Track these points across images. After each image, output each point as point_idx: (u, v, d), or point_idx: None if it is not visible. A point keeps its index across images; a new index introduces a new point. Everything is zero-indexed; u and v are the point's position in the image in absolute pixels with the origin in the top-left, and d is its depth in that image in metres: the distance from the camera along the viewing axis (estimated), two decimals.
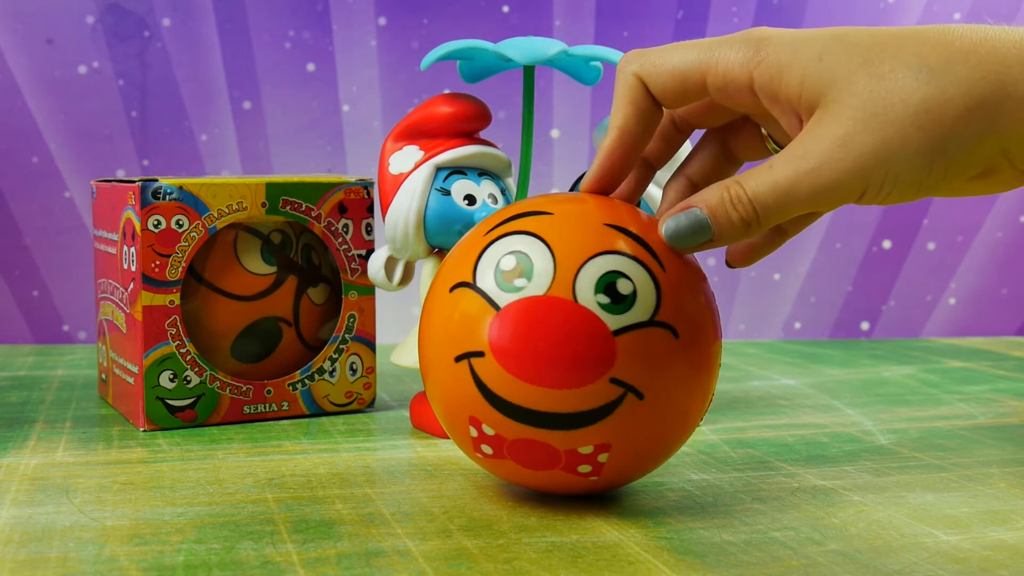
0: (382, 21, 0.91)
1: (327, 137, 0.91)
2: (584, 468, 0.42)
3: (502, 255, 0.42)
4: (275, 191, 0.58)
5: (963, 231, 0.99)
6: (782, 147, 0.45)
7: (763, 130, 0.45)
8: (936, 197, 0.43)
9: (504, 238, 0.42)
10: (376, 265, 0.57)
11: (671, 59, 0.42)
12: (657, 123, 0.44)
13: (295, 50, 0.90)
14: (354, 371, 0.61)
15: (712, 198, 0.41)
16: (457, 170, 0.56)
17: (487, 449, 0.43)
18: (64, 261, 0.88)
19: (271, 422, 0.59)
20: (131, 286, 0.57)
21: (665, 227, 0.42)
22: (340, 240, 0.60)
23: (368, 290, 0.61)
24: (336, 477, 0.49)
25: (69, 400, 0.65)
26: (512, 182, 0.58)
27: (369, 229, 0.61)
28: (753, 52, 0.41)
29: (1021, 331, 1.00)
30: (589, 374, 0.40)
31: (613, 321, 0.40)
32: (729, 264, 0.47)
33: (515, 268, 0.41)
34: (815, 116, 0.39)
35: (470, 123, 0.56)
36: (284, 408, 0.60)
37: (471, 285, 0.42)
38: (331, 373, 0.61)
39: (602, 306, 0.40)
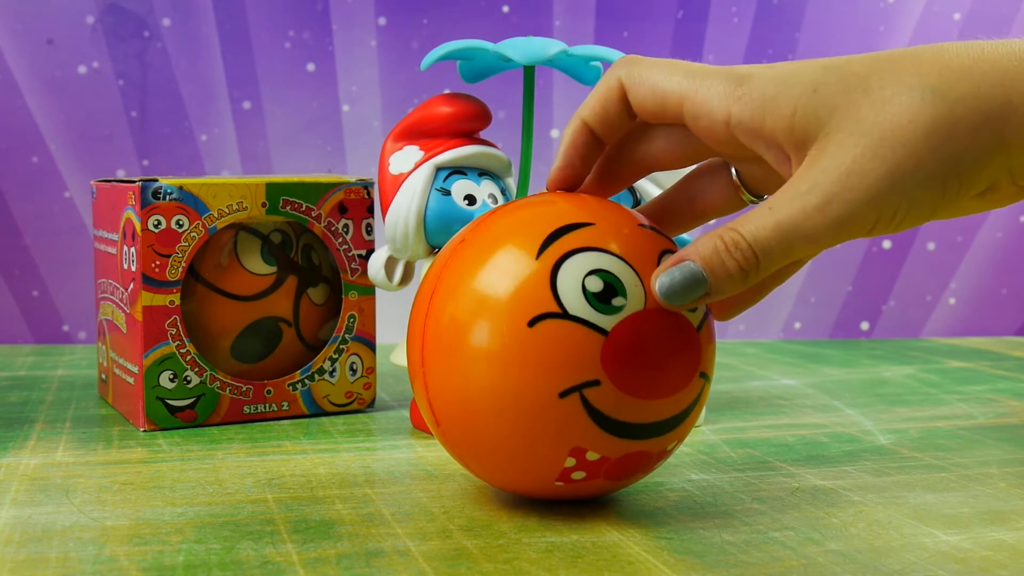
0: (382, 21, 0.91)
1: (327, 137, 0.91)
2: (660, 464, 0.43)
3: (583, 276, 0.40)
4: (275, 191, 0.58)
5: (963, 231, 0.99)
6: (756, 195, 0.44)
7: (735, 176, 0.44)
8: (940, 220, 0.42)
9: (568, 259, 0.40)
10: (376, 265, 0.58)
11: (656, 76, 0.41)
12: (622, 130, 0.43)
13: (295, 50, 0.90)
14: (354, 371, 0.61)
15: (705, 248, 0.39)
16: (457, 170, 0.56)
17: (578, 476, 0.41)
18: (64, 261, 0.88)
19: (271, 422, 0.59)
20: (131, 286, 0.57)
21: (659, 285, 0.39)
22: (340, 240, 0.60)
23: (368, 290, 0.61)
24: (336, 477, 0.49)
25: (69, 400, 0.65)
26: (512, 182, 0.58)
27: (369, 229, 0.61)
28: (734, 87, 0.39)
29: (1021, 331, 1.00)
30: (690, 375, 0.41)
31: (693, 319, 0.41)
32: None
33: (605, 288, 0.40)
34: (816, 148, 0.38)
35: (470, 123, 0.56)
36: (284, 408, 0.60)
37: (561, 315, 0.39)
38: (331, 373, 0.61)
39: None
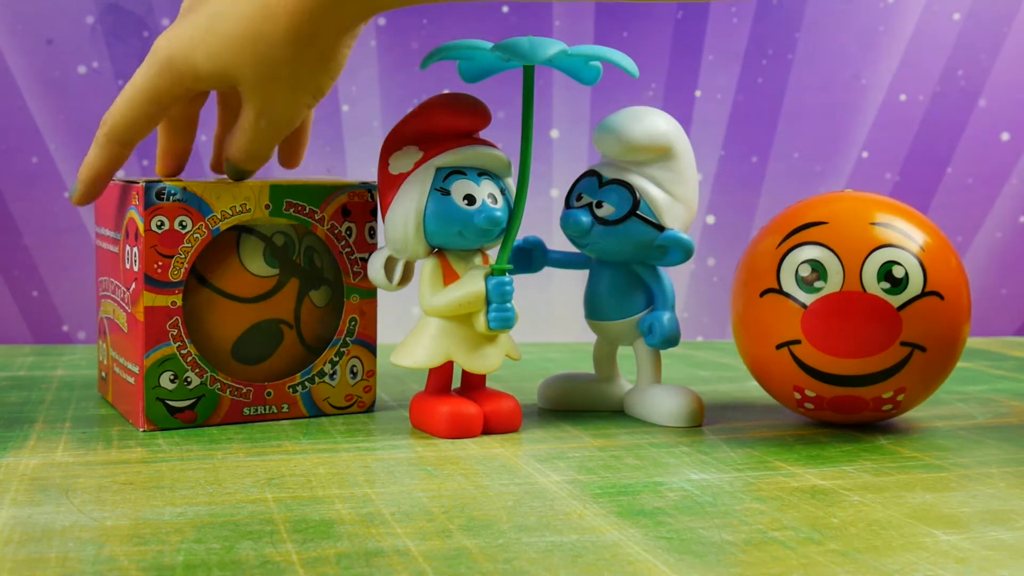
0: (382, 21, 0.91)
1: (327, 137, 0.91)
2: (887, 407, 0.56)
3: (798, 264, 0.55)
4: (279, 193, 0.58)
5: (963, 231, 0.99)
6: None
7: None
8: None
9: (795, 249, 0.55)
10: (376, 265, 0.58)
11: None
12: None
13: None
14: (354, 374, 0.61)
15: None
16: (457, 170, 0.56)
17: (809, 406, 0.57)
18: (64, 261, 0.88)
19: (271, 423, 0.59)
20: (133, 286, 0.57)
21: None
22: (343, 243, 0.60)
23: (370, 293, 0.61)
24: (336, 477, 0.49)
25: (69, 400, 0.65)
26: (512, 182, 0.58)
27: (372, 232, 0.61)
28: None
29: (1021, 331, 1.00)
30: (883, 343, 0.54)
31: (895, 300, 0.54)
32: None
33: (812, 274, 0.54)
34: None
35: (470, 123, 0.56)
36: (284, 410, 0.60)
37: (778, 291, 0.55)
38: (331, 376, 0.61)
39: (885, 290, 0.54)
